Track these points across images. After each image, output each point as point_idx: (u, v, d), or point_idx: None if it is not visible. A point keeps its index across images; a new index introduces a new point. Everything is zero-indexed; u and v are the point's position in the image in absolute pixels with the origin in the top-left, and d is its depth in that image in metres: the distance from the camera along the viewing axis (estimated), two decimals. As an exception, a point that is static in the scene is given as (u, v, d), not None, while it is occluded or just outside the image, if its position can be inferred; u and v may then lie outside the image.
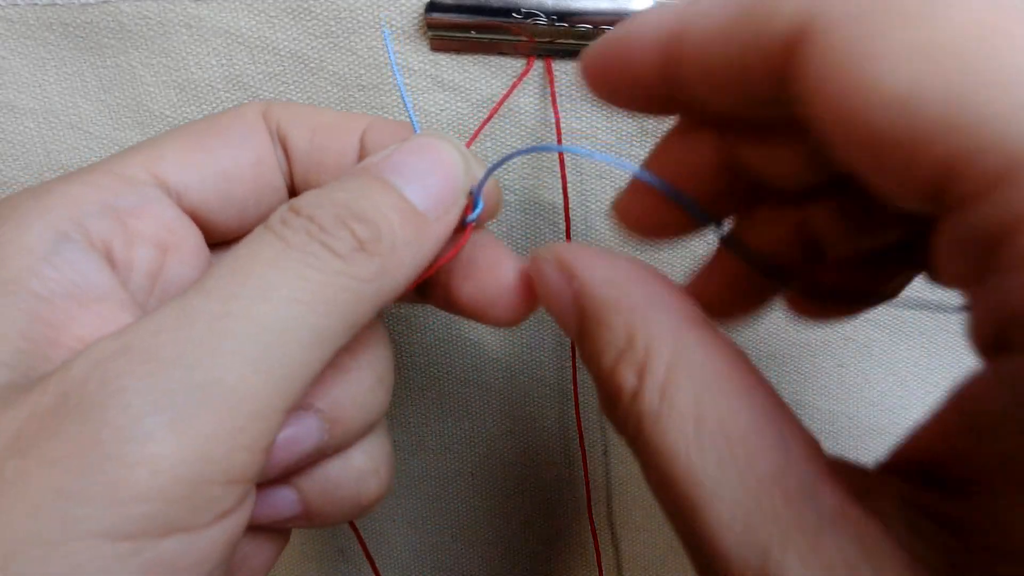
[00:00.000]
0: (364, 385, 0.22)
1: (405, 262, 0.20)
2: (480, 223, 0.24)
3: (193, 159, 0.23)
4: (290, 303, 0.17)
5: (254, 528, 0.24)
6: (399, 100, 0.29)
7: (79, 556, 0.15)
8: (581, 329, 0.18)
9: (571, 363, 0.33)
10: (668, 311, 0.17)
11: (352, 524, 0.30)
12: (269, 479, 0.21)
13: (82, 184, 0.21)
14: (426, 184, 0.21)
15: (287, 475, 0.22)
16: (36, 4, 0.27)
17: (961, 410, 0.15)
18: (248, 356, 0.17)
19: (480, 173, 0.23)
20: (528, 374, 0.35)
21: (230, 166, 0.23)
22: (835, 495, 0.15)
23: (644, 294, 0.18)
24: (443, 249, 0.22)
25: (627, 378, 0.16)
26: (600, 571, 0.37)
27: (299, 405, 0.20)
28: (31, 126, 0.29)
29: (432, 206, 0.21)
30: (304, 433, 0.21)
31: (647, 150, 0.30)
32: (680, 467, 0.15)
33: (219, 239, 0.24)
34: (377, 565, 0.39)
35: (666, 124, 0.29)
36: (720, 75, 0.16)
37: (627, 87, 0.18)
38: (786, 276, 0.21)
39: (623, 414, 0.17)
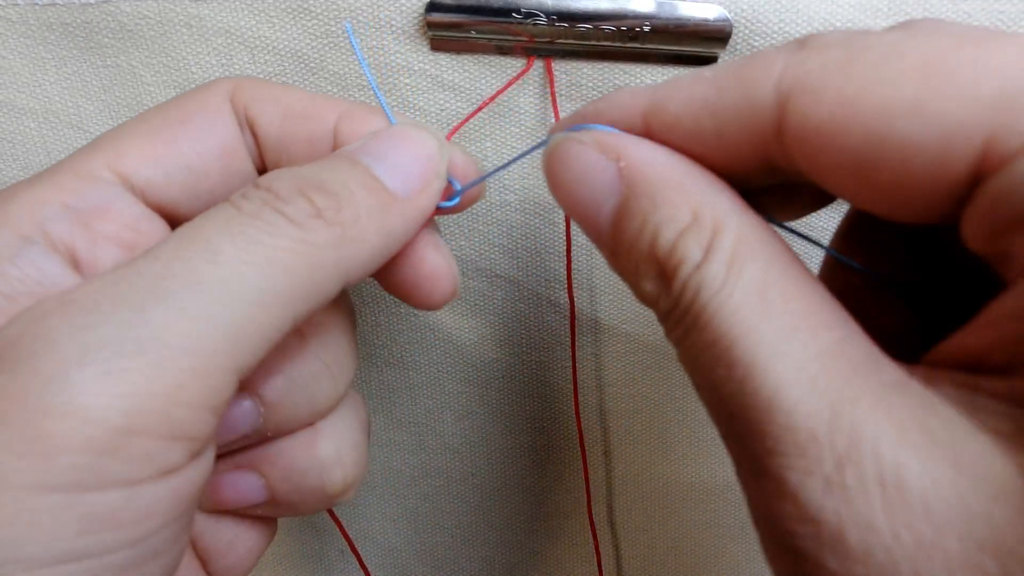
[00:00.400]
0: (307, 370, 0.22)
1: (369, 234, 0.20)
2: (462, 206, 0.24)
3: (156, 153, 0.22)
4: (236, 263, 0.17)
5: (237, 515, 0.24)
6: (399, 100, 0.29)
7: (8, 510, 0.15)
8: (624, 208, 0.18)
9: (571, 363, 0.33)
10: (728, 193, 0.18)
11: (338, 523, 0.30)
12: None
13: (44, 186, 0.21)
14: (398, 165, 0.21)
15: (228, 453, 0.22)
16: (36, 4, 0.27)
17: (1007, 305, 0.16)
18: (188, 314, 0.16)
19: (459, 159, 0.23)
20: (528, 374, 0.35)
21: (195, 159, 0.22)
22: (897, 369, 0.15)
23: (702, 176, 0.18)
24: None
25: (692, 250, 0.16)
26: (600, 571, 0.37)
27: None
28: (31, 126, 0.29)
29: (402, 186, 0.21)
30: (238, 414, 0.21)
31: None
32: (743, 333, 0.15)
33: None
34: (377, 565, 0.39)
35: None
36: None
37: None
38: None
39: (679, 288, 0.16)
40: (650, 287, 0.17)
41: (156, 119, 0.23)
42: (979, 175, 0.15)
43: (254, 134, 0.23)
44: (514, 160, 0.24)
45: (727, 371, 0.15)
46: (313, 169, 0.20)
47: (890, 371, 0.15)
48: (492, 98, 0.28)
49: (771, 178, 0.18)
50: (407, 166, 0.21)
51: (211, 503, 0.23)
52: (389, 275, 0.23)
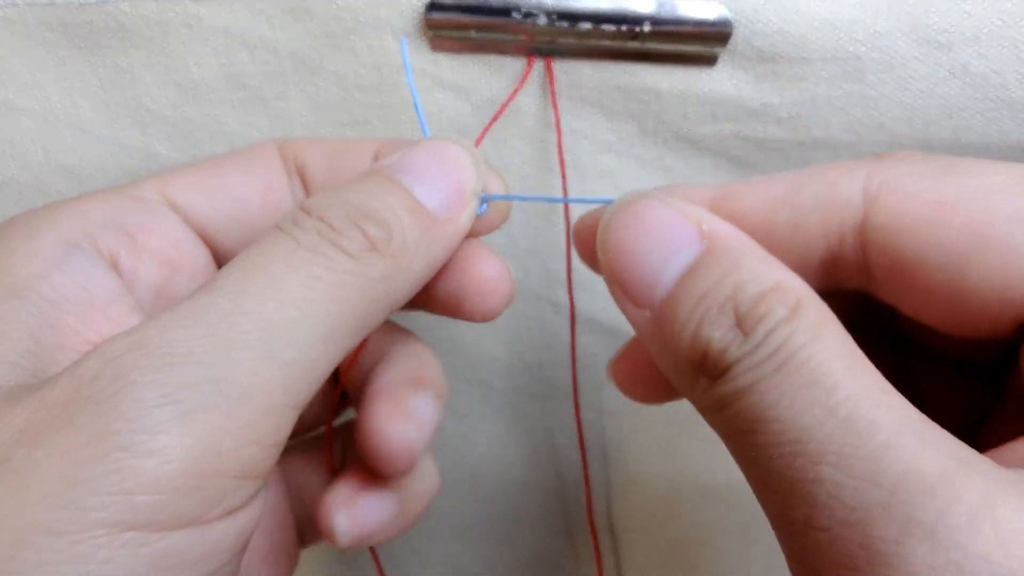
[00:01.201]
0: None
1: (416, 262, 0.20)
2: (489, 228, 0.24)
3: (202, 181, 0.23)
4: (301, 301, 0.18)
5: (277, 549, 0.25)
6: (399, 100, 0.29)
7: (88, 545, 0.15)
8: (700, 263, 0.18)
9: (571, 363, 0.33)
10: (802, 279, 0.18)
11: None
12: (408, 467, 0.22)
13: (92, 200, 0.22)
14: (436, 184, 0.21)
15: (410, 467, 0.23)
16: (35, 4, 0.27)
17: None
18: (258, 353, 0.17)
19: (490, 176, 0.23)
20: (528, 374, 0.35)
21: (238, 189, 0.23)
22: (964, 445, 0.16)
23: (777, 258, 0.19)
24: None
25: (777, 307, 0.17)
26: (600, 572, 0.37)
27: (418, 384, 0.21)
28: (30, 125, 0.29)
29: (442, 206, 0.21)
30: (433, 407, 0.23)
31: (647, 149, 0.30)
32: (847, 377, 0.16)
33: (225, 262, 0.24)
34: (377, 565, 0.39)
35: (668, 124, 0.29)
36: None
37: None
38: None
39: (764, 333, 0.17)
40: (719, 334, 0.17)
41: (207, 160, 0.24)
42: None
43: (303, 177, 0.24)
44: (527, 198, 0.24)
45: (827, 412, 0.15)
46: (359, 194, 0.20)
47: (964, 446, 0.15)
48: (504, 106, 0.28)
49: (825, 285, 0.19)
50: (445, 185, 0.21)
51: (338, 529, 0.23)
52: (436, 295, 0.23)
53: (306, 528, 0.27)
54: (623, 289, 0.19)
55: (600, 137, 0.30)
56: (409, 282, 0.20)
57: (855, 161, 0.19)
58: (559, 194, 0.30)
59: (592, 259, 0.21)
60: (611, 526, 0.38)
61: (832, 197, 0.18)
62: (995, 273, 0.17)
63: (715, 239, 0.18)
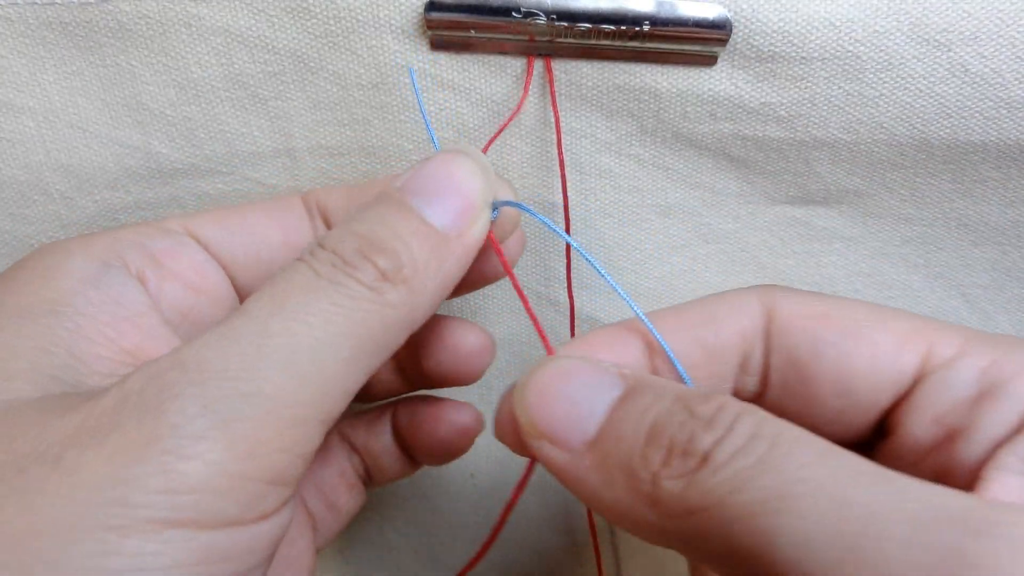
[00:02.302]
0: None
1: (428, 284, 0.21)
2: (504, 236, 0.24)
3: (224, 219, 0.25)
4: (324, 324, 0.19)
5: (344, 482, 0.29)
6: (399, 99, 0.29)
7: (137, 539, 0.16)
8: (627, 396, 0.20)
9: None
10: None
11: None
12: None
13: (122, 229, 0.23)
14: (445, 202, 0.22)
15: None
16: (35, 3, 0.27)
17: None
18: (285, 370, 0.18)
19: (500, 185, 0.23)
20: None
21: (258, 227, 0.25)
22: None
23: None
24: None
25: (729, 403, 0.18)
26: (600, 572, 0.37)
27: None
28: (31, 125, 0.29)
29: (452, 223, 0.21)
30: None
31: (647, 149, 0.30)
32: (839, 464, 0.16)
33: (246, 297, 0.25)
34: (376, 565, 0.39)
35: (668, 120, 0.29)
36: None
37: None
38: None
39: (731, 420, 0.18)
40: (677, 425, 0.18)
41: (231, 205, 0.26)
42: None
43: (326, 219, 0.26)
44: (531, 212, 0.24)
45: (872, 481, 0.16)
46: (367, 224, 0.21)
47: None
48: (516, 111, 0.28)
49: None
50: (454, 203, 0.22)
51: (445, 429, 0.28)
52: (428, 367, 0.26)
53: (324, 527, 0.29)
54: (549, 435, 0.19)
55: (600, 137, 0.30)
56: (425, 302, 0.21)
57: (744, 289, 0.22)
58: (559, 194, 0.30)
59: (514, 439, 0.22)
60: (611, 525, 0.38)
61: (741, 309, 0.22)
62: (867, 362, 0.20)
63: (637, 378, 0.19)
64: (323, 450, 0.29)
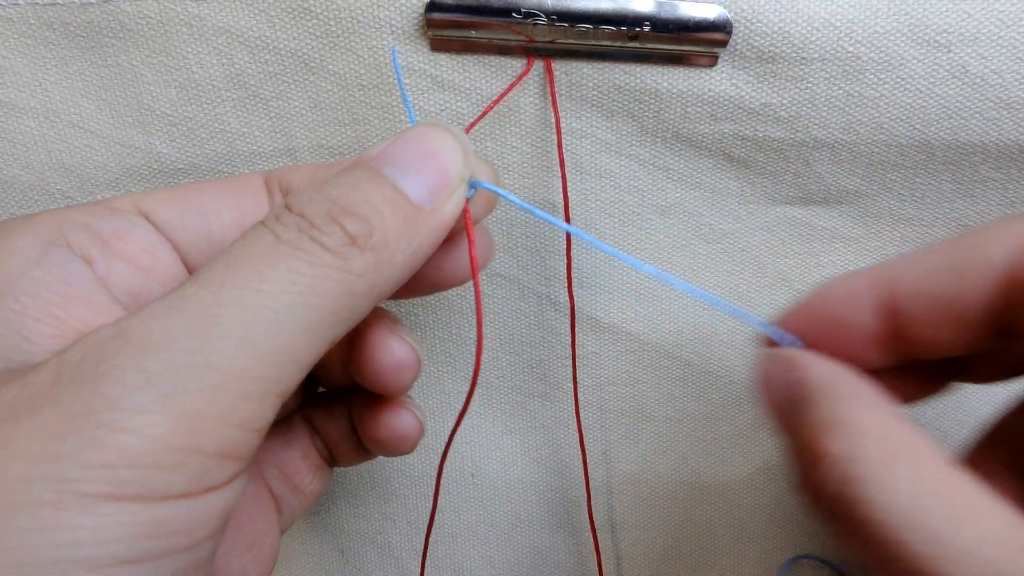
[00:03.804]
0: None
1: (397, 255, 0.20)
2: (477, 218, 0.23)
3: (177, 198, 0.24)
4: (281, 294, 0.18)
5: (308, 463, 0.29)
6: (399, 100, 0.29)
7: (71, 515, 0.16)
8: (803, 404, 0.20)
9: (571, 362, 0.33)
10: (875, 404, 0.19)
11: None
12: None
13: (69, 209, 0.22)
14: (421, 174, 0.21)
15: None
16: (37, 3, 0.27)
17: None
18: (237, 342, 0.17)
19: (479, 164, 0.23)
20: (528, 373, 0.35)
21: (212, 206, 0.24)
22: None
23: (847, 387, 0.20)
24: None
25: (831, 445, 0.18)
26: (600, 571, 0.37)
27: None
28: (32, 125, 0.29)
29: (427, 196, 0.21)
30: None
31: (647, 149, 0.30)
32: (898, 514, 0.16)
33: None
34: (376, 565, 0.39)
35: (670, 117, 0.29)
36: (938, 315, 0.20)
37: (843, 349, 0.21)
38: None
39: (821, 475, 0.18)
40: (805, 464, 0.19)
41: (188, 183, 0.25)
42: None
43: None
44: (523, 206, 0.23)
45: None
46: (340, 189, 0.20)
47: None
48: (496, 102, 0.28)
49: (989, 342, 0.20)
50: (429, 175, 0.21)
51: (386, 432, 0.27)
52: (358, 364, 0.25)
53: (288, 508, 0.28)
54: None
55: (600, 137, 0.30)
56: (393, 274, 0.20)
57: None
58: (559, 194, 0.30)
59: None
60: (611, 524, 0.38)
61: (982, 269, 0.19)
62: None
63: (806, 383, 0.20)
64: (286, 431, 0.29)
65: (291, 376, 0.18)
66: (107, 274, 0.22)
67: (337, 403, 0.29)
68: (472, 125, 0.28)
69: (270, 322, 0.18)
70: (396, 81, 0.28)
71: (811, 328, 0.22)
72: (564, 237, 0.31)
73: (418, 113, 0.29)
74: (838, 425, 0.18)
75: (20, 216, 0.22)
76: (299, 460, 0.28)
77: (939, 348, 0.20)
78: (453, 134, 0.22)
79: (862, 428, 0.18)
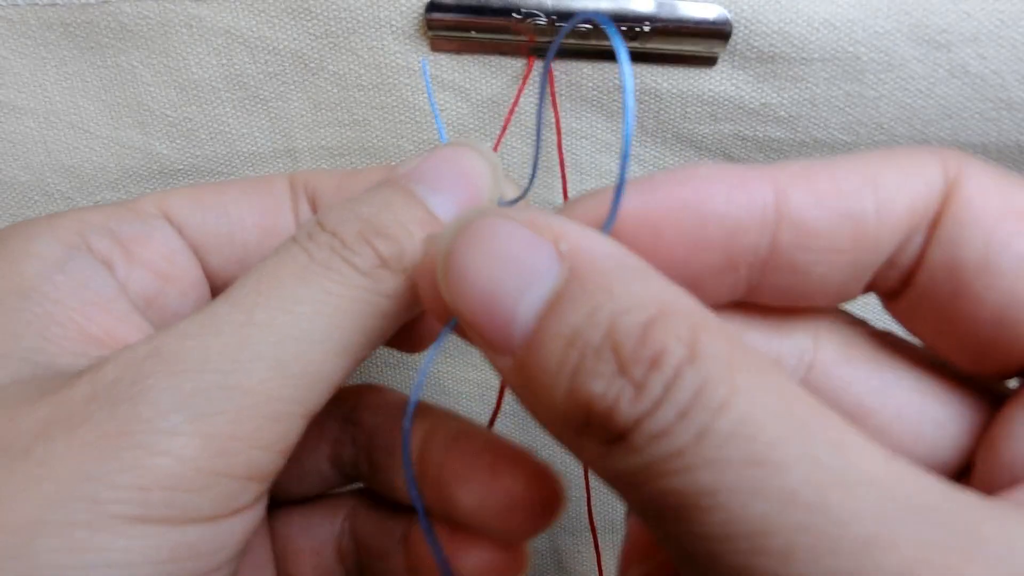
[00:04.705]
0: None
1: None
2: None
3: (201, 199, 0.24)
4: (313, 315, 0.18)
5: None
6: (399, 100, 0.29)
7: (103, 537, 0.16)
8: (562, 294, 0.15)
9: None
10: (693, 296, 0.16)
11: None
12: None
13: (91, 211, 0.22)
14: (451, 194, 0.21)
15: None
16: (36, 4, 0.27)
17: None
18: (268, 363, 0.17)
19: (506, 185, 0.23)
20: (528, 374, 0.35)
21: (235, 209, 0.24)
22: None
23: (659, 272, 0.16)
24: None
25: (671, 348, 0.14)
26: (600, 571, 0.37)
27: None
28: (32, 126, 0.29)
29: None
30: None
31: (647, 149, 0.30)
32: (786, 460, 0.13)
33: (218, 283, 0.24)
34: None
35: (670, 115, 0.29)
36: (827, 241, 0.16)
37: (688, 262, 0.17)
38: None
39: (668, 381, 0.13)
40: (601, 386, 0.14)
41: (213, 183, 0.24)
42: None
43: (314, 202, 0.24)
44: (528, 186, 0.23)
45: (785, 500, 0.12)
46: (372, 208, 0.20)
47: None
48: (511, 111, 0.28)
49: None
50: (460, 196, 0.21)
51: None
52: (460, 501, 0.22)
53: None
54: (476, 332, 0.16)
55: (600, 137, 0.30)
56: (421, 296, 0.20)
57: (924, 147, 0.17)
58: (559, 194, 0.30)
59: (435, 303, 0.17)
60: (612, 524, 0.38)
61: (916, 177, 0.16)
62: None
63: (579, 259, 0.15)
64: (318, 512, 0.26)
65: (319, 397, 0.19)
66: (126, 280, 0.22)
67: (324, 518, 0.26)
68: (498, 142, 0.28)
69: (301, 343, 0.18)
70: (397, 81, 0.29)
71: (658, 219, 0.16)
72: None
73: (418, 114, 0.29)
74: (664, 315, 0.13)
75: (42, 217, 0.22)
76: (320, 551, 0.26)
77: (810, 289, 0.17)
78: (483, 154, 0.22)
79: (696, 317, 0.14)
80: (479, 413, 0.36)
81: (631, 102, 0.16)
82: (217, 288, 0.24)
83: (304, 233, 0.20)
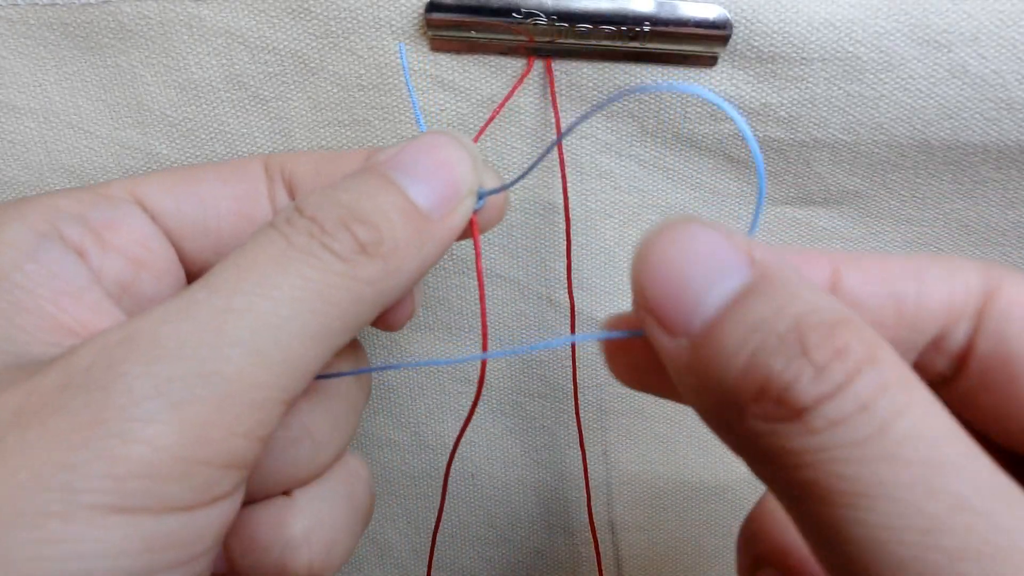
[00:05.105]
0: (282, 434, 0.22)
1: (406, 264, 0.20)
2: (486, 225, 0.24)
3: (173, 185, 0.23)
4: (291, 301, 0.18)
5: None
6: (400, 101, 0.29)
7: (78, 527, 0.15)
8: (752, 290, 0.16)
9: (571, 362, 0.33)
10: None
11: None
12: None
13: (61, 196, 0.22)
14: (431, 182, 0.21)
15: None
16: (36, 4, 0.27)
17: None
18: (247, 349, 0.17)
19: (486, 173, 0.23)
20: (528, 373, 0.35)
21: (209, 194, 0.23)
22: None
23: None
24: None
25: (853, 346, 0.15)
26: (600, 571, 0.37)
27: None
28: (31, 126, 0.29)
29: (436, 205, 0.21)
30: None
31: (647, 150, 0.30)
32: (957, 468, 0.14)
33: (193, 269, 0.24)
34: (376, 565, 0.39)
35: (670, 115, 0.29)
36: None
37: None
38: None
39: (851, 371, 0.14)
40: (782, 362, 0.14)
41: (185, 166, 0.24)
42: None
43: (291, 187, 0.24)
44: (528, 170, 0.23)
45: (957, 504, 0.13)
46: (351, 194, 0.20)
47: None
48: (499, 107, 0.28)
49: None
50: (439, 184, 0.21)
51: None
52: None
53: None
54: (656, 314, 0.16)
55: (600, 137, 0.30)
56: (400, 282, 0.20)
57: (964, 258, 0.19)
58: (559, 194, 0.30)
59: (625, 372, 0.19)
60: (611, 524, 0.38)
61: (957, 275, 0.18)
62: None
63: (770, 266, 0.16)
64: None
65: (297, 383, 0.18)
66: (100, 267, 0.21)
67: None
68: (479, 134, 0.28)
69: (279, 329, 0.18)
70: (397, 82, 0.28)
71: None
72: (564, 238, 0.31)
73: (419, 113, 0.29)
74: (848, 322, 0.15)
75: (8, 202, 0.21)
76: None
77: None
78: (463, 144, 0.22)
79: (874, 336, 0.15)
80: (463, 393, 0.36)
81: (760, 165, 0.18)
82: (192, 274, 0.24)
83: (283, 218, 0.19)
